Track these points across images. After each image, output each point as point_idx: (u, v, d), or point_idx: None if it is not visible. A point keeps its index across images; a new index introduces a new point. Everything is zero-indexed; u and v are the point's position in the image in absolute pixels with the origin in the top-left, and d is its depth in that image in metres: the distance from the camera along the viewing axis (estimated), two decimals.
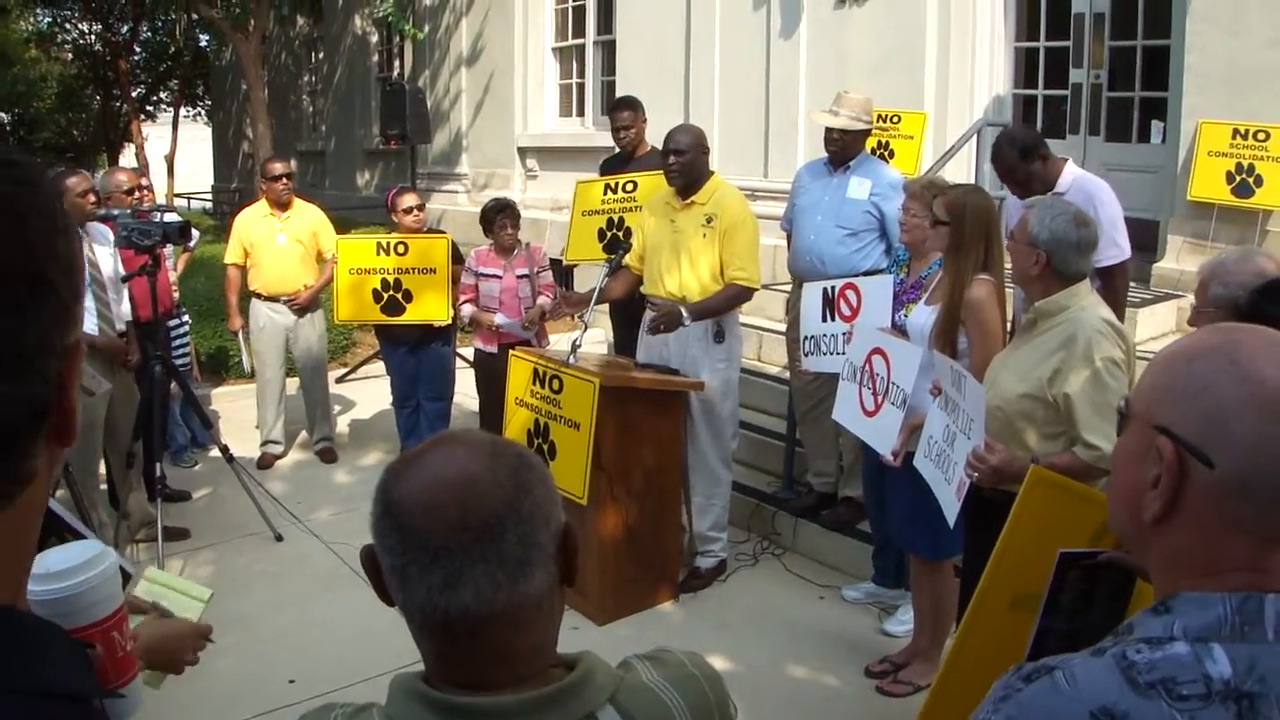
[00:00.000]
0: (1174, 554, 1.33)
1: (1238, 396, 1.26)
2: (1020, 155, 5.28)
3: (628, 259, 6.27)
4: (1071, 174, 5.31)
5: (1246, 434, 1.25)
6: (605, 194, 7.29)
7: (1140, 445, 1.35)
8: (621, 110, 7.49)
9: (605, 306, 6.99)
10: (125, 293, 6.60)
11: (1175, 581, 1.32)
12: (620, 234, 6.95)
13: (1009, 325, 4.86)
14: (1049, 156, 5.36)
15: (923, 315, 4.76)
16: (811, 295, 5.76)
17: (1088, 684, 1.25)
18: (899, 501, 4.91)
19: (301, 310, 8.26)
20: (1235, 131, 7.46)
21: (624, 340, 7.03)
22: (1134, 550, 1.43)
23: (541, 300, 7.32)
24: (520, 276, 7.33)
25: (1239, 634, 1.24)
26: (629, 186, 7.13)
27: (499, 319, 7.32)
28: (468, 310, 7.46)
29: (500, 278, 7.31)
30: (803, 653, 5.48)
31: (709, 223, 5.92)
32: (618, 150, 7.66)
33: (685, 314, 5.81)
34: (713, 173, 6.14)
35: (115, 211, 6.80)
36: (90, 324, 6.18)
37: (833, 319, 5.58)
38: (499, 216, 7.33)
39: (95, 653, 1.71)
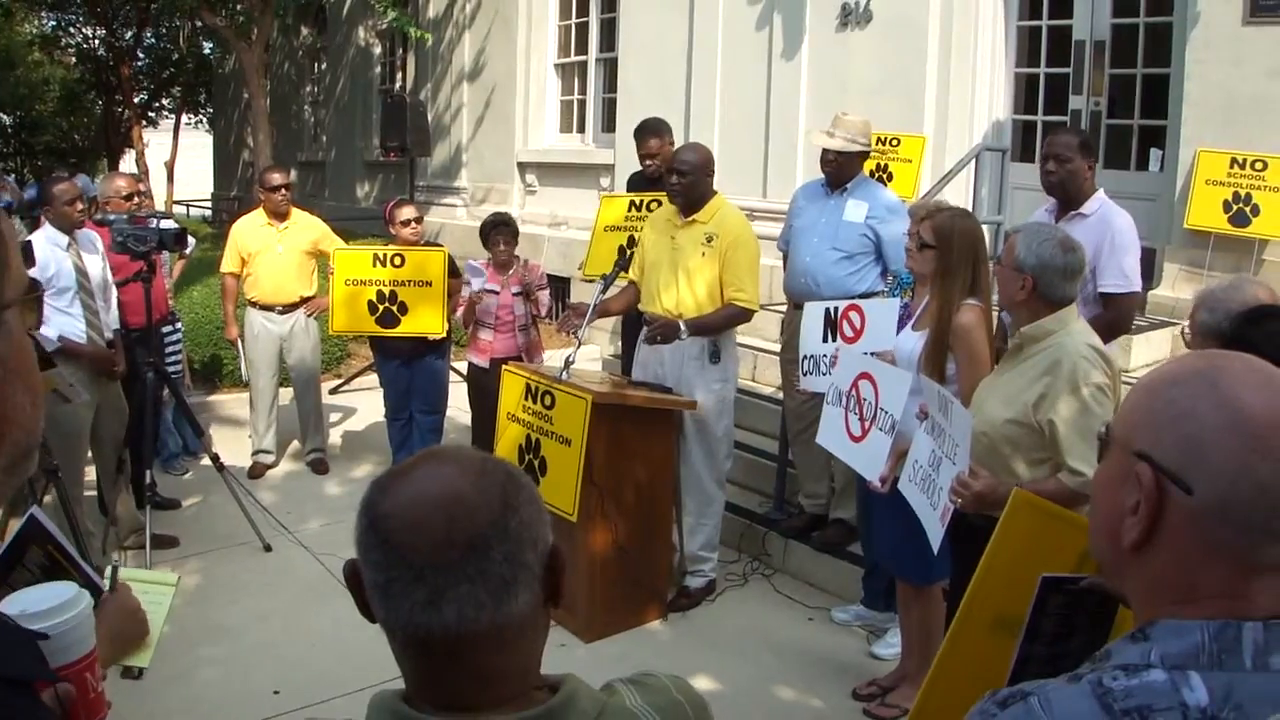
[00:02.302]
0: (1153, 581, 1.33)
1: (1217, 423, 1.26)
2: (1080, 146, 5.27)
3: (631, 273, 6.28)
4: (1100, 199, 5.30)
5: (1225, 461, 1.24)
6: (629, 210, 7.29)
7: (1120, 471, 1.35)
8: (649, 138, 7.47)
9: (607, 324, 6.95)
10: (114, 299, 6.59)
11: (1154, 608, 1.32)
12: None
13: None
14: (1094, 173, 5.38)
15: (910, 340, 4.75)
16: (813, 315, 5.71)
17: (1063, 710, 1.25)
18: (887, 527, 4.88)
19: (313, 311, 8.30)
20: (1233, 160, 7.47)
21: (629, 359, 7.02)
22: (1113, 577, 1.43)
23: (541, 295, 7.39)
24: (516, 294, 7.33)
25: (1217, 662, 1.23)
26: (654, 205, 7.10)
27: (473, 280, 7.35)
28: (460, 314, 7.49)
29: (497, 293, 7.31)
30: (790, 674, 5.47)
31: (709, 241, 5.93)
32: (642, 170, 7.66)
33: (683, 328, 5.82)
34: (716, 193, 6.14)
35: (111, 216, 6.79)
36: (78, 331, 6.17)
37: (834, 340, 5.56)
38: (493, 232, 7.33)
39: (68, 692, 1.71)
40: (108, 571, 2.25)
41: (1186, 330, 3.83)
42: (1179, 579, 1.30)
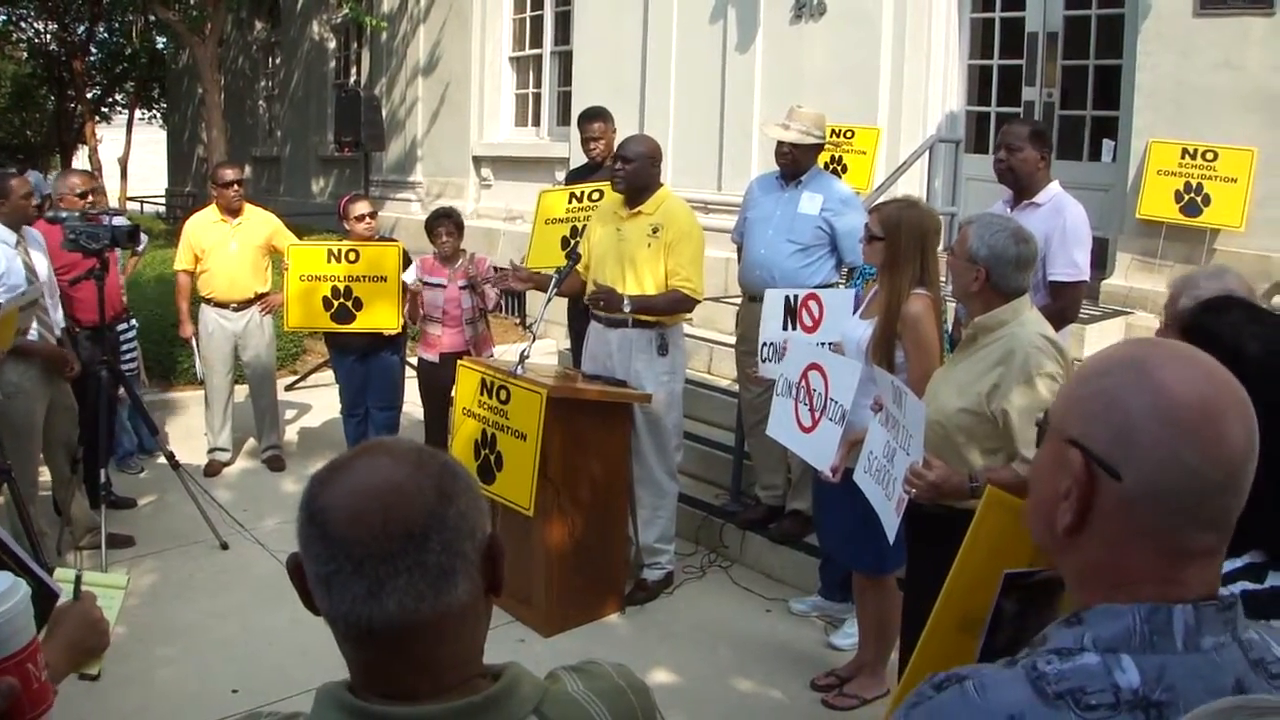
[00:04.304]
0: (1087, 566, 1.36)
1: (1144, 410, 1.28)
2: (1031, 136, 5.31)
3: (577, 267, 6.28)
4: (1054, 190, 5.34)
5: (1152, 447, 1.27)
6: (570, 202, 7.26)
7: (1054, 457, 1.38)
8: (592, 122, 7.50)
9: (561, 318, 6.95)
10: (58, 299, 6.52)
11: (1088, 593, 1.34)
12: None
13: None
14: (1049, 164, 5.41)
15: (859, 329, 4.76)
16: (774, 302, 5.72)
17: (996, 694, 1.27)
18: (838, 518, 4.90)
19: (267, 309, 8.27)
20: (1184, 151, 7.54)
21: (578, 352, 7.02)
22: (1054, 561, 1.45)
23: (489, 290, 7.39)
24: (463, 287, 7.32)
25: (1149, 644, 1.26)
26: (595, 195, 7.09)
27: (409, 275, 7.42)
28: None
29: (444, 287, 7.30)
30: (749, 666, 5.49)
31: (655, 233, 5.93)
32: (586, 161, 7.66)
33: (626, 301, 5.83)
34: (662, 185, 6.14)
35: (63, 214, 6.74)
36: (31, 330, 6.11)
37: (793, 328, 5.57)
38: (436, 224, 7.35)
39: (11, 686, 1.70)
40: (69, 576, 2.23)
41: (1162, 319, 3.84)
42: (1111, 563, 1.32)
